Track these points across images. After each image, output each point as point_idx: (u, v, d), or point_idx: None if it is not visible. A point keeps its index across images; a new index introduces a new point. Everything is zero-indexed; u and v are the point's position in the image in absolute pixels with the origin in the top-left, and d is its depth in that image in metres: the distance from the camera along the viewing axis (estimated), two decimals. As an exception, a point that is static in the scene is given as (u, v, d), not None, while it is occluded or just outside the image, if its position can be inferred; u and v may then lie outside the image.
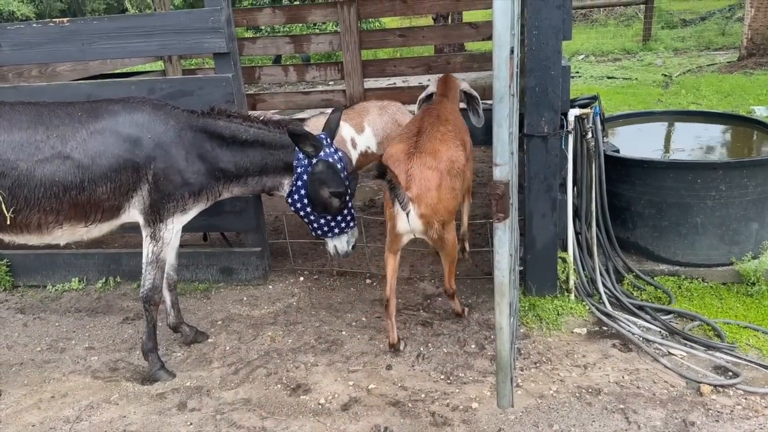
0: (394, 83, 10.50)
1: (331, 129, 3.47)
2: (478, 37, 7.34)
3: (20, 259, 4.52)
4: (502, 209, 2.25)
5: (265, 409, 3.06)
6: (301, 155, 3.30)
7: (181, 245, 4.50)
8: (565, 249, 3.75)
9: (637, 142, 4.55)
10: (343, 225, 3.45)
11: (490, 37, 7.23)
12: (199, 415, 3.05)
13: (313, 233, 3.52)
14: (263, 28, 15.24)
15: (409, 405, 3.02)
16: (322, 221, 3.41)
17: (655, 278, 3.90)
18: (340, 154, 3.38)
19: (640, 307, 3.64)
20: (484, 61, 7.31)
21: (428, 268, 4.42)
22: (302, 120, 4.57)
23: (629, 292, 3.81)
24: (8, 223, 3.02)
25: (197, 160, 3.23)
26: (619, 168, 3.95)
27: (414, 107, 4.57)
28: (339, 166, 3.32)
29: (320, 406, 3.06)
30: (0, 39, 3.88)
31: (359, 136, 4.51)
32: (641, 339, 3.38)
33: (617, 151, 4.02)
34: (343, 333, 3.69)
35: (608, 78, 10.70)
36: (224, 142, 3.28)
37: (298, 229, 4.99)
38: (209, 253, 4.43)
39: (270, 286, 4.33)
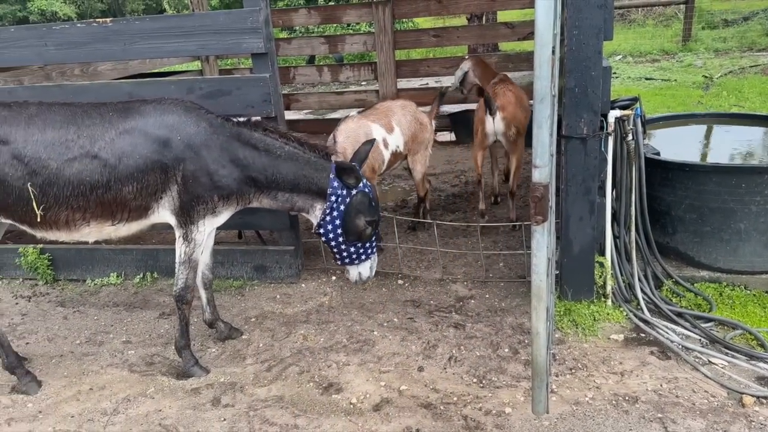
0: (427, 83, 10.49)
1: (360, 159, 3.46)
2: (513, 36, 7.29)
3: (61, 253, 4.63)
4: (541, 212, 2.21)
5: (298, 407, 3.08)
6: (336, 184, 3.31)
7: (216, 243, 4.55)
8: (602, 253, 3.68)
9: (678, 145, 4.44)
10: (369, 251, 3.52)
11: (525, 37, 7.18)
12: (233, 411, 3.08)
13: (339, 262, 3.52)
14: (297, 28, 15.37)
15: (441, 408, 3.00)
16: (352, 249, 3.43)
17: (696, 285, 3.80)
18: (368, 183, 3.45)
19: (680, 314, 3.55)
20: (520, 61, 7.25)
21: (461, 270, 4.39)
22: (334, 120, 4.59)
23: (668, 299, 3.72)
24: (38, 220, 3.09)
25: (228, 164, 3.21)
26: (660, 171, 3.86)
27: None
28: (371, 195, 3.41)
29: (352, 406, 3.07)
30: (46, 39, 3.99)
31: (390, 136, 4.51)
32: (680, 347, 3.30)
33: (657, 153, 3.93)
34: (375, 333, 3.69)
35: (646, 79, 10.50)
36: (257, 153, 3.26)
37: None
38: (244, 250, 4.48)
39: (303, 285, 4.36)
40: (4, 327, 4.04)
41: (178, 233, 3.30)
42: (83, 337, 3.88)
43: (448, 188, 6.17)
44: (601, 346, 3.38)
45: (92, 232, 3.25)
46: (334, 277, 4.43)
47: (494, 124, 4.60)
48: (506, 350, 3.42)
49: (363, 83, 11.51)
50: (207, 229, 3.33)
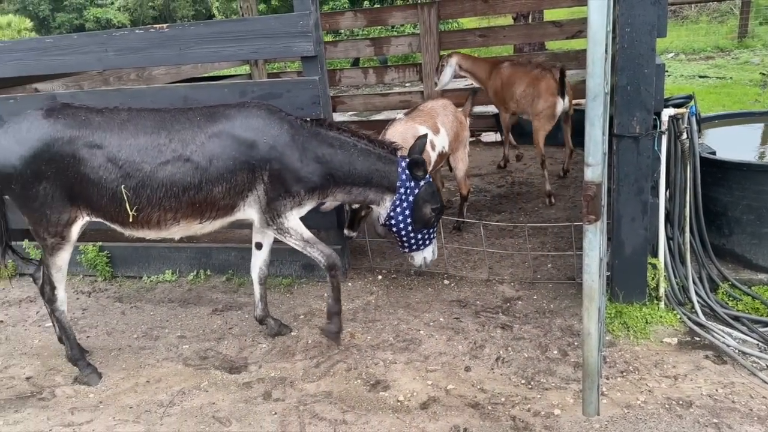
0: (471, 84, 10.43)
1: (418, 153, 3.57)
2: (561, 35, 7.18)
3: (119, 251, 4.82)
4: (593, 211, 2.19)
5: (346, 403, 3.12)
6: (405, 177, 3.50)
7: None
8: (655, 255, 3.61)
9: (734, 144, 4.31)
10: (432, 237, 3.76)
11: (573, 36, 7.07)
12: (283, 405, 3.15)
13: (407, 249, 3.74)
14: (343, 31, 15.52)
15: (489, 408, 2.99)
16: (419, 236, 3.66)
17: (753, 288, 3.67)
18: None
19: (736, 318, 3.45)
20: (568, 59, 7.14)
21: (507, 271, 4.36)
22: (379, 122, 4.65)
23: (724, 302, 3.61)
24: (130, 220, 3.24)
25: (310, 161, 3.36)
26: (715, 171, 3.75)
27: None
28: (434, 185, 3.67)
29: (399, 404, 3.09)
30: (107, 45, 4.15)
31: (436, 137, 4.52)
32: (737, 351, 3.21)
33: (713, 153, 3.83)
34: (421, 332, 3.71)
35: (700, 77, 10.19)
36: (333, 150, 3.42)
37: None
38: (292, 249, 4.54)
39: (349, 284, 4.41)
40: (67, 321, 4.24)
41: (271, 230, 3.44)
42: (140, 332, 4.03)
43: (494, 189, 6.14)
44: (654, 350, 3.31)
45: (180, 230, 3.40)
46: (380, 276, 4.47)
47: (563, 104, 5.28)
48: (555, 352, 3.38)
49: (407, 84, 11.54)
50: (295, 217, 3.47)
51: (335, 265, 3.46)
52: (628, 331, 3.47)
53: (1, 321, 4.32)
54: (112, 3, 30.15)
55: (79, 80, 5.80)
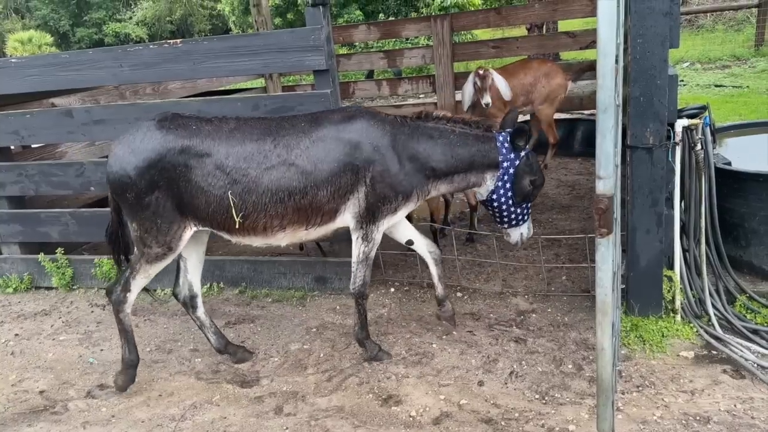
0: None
1: (511, 125, 3.55)
2: (575, 46, 7.17)
3: (133, 264, 4.84)
4: (606, 224, 2.16)
5: (358, 418, 3.10)
6: (505, 150, 3.42)
7: (278, 254, 4.65)
8: (670, 267, 3.55)
9: (751, 155, 4.25)
10: (529, 212, 3.68)
11: (587, 46, 7.05)
12: (295, 420, 3.14)
13: (506, 225, 3.64)
14: (357, 44, 15.61)
15: (502, 423, 2.95)
16: (519, 210, 3.57)
17: (773, 301, 3.61)
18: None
19: (755, 331, 3.38)
20: (581, 70, 7.11)
21: (521, 283, 4.32)
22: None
23: (742, 315, 3.55)
24: (236, 227, 3.27)
25: (410, 161, 3.36)
26: (731, 182, 3.70)
27: None
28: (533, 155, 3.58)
29: (411, 419, 3.06)
30: (122, 60, 4.22)
31: None
32: (756, 365, 3.14)
33: (729, 163, 3.78)
34: (434, 346, 3.68)
35: (716, 86, 10.08)
36: (433, 143, 3.40)
37: (388, 240, 5.03)
38: (305, 262, 4.57)
39: (362, 297, 4.39)
40: (80, 334, 4.27)
41: (356, 234, 3.44)
42: (153, 345, 4.04)
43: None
44: (670, 364, 3.26)
45: (286, 237, 3.42)
46: (392, 289, 4.46)
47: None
48: (570, 366, 3.34)
49: (421, 96, 11.55)
50: (384, 228, 3.48)
51: (363, 294, 3.49)
52: (644, 344, 3.42)
53: (17, 335, 4.36)
54: (131, 18, 30.63)
55: (95, 95, 5.88)
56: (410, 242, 3.78)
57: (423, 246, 3.77)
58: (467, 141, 3.43)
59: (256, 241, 3.43)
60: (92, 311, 4.61)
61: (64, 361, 3.93)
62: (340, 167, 3.25)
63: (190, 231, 3.33)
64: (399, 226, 3.69)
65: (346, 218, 3.40)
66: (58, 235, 4.89)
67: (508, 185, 3.46)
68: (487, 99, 5.47)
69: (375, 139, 3.29)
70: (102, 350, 4.03)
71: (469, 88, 5.69)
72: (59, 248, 4.94)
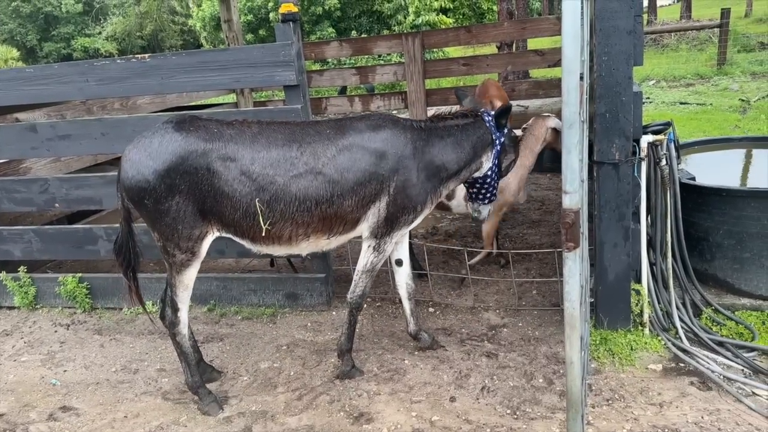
0: (458, 112, 10.50)
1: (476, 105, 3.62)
2: (543, 63, 7.29)
3: (99, 282, 4.74)
4: (573, 238, 2.18)
5: (328, 437, 3.06)
6: (493, 129, 3.43)
7: (248, 271, 4.60)
8: (638, 281, 3.60)
9: (714, 170, 4.35)
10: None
11: (556, 64, 7.17)
12: (264, 440, 3.07)
13: (486, 201, 3.64)
14: (330, 60, 15.66)
15: (474, 439, 2.94)
16: (495, 186, 3.60)
17: (736, 313, 3.67)
18: None
19: (721, 344, 3.44)
20: (550, 87, 7.24)
21: (493, 298, 4.34)
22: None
23: (708, 327, 3.61)
24: (263, 234, 3.17)
25: (427, 167, 3.32)
26: (696, 196, 3.78)
27: None
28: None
29: (383, 436, 3.03)
30: (88, 75, 4.15)
31: None
32: (722, 377, 3.19)
33: (693, 178, 3.86)
34: (406, 362, 3.66)
35: (681, 104, 10.35)
36: (445, 143, 3.37)
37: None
38: (276, 278, 4.52)
39: (333, 312, 4.36)
40: (43, 355, 4.14)
41: (369, 243, 3.39)
42: (119, 365, 3.94)
43: (479, 215, 6.13)
44: (639, 376, 3.29)
45: (309, 246, 3.35)
46: (364, 305, 4.43)
47: None
48: (540, 380, 3.34)
49: (393, 112, 11.62)
50: (396, 240, 3.44)
51: (360, 305, 3.49)
52: (614, 358, 3.45)
53: (-24, 355, 4.22)
54: (100, 33, 30.31)
55: (61, 109, 5.78)
56: (399, 262, 3.72)
57: (404, 275, 3.72)
58: (468, 132, 3.42)
59: (279, 251, 3.34)
60: (56, 331, 4.49)
61: (25, 383, 3.81)
62: (366, 177, 3.19)
63: (212, 236, 3.22)
64: (402, 240, 3.65)
65: (362, 228, 3.36)
66: (21, 253, 4.76)
67: (496, 160, 3.49)
68: None
69: (399, 149, 3.25)
70: (65, 371, 3.91)
71: None
72: (22, 266, 4.81)
